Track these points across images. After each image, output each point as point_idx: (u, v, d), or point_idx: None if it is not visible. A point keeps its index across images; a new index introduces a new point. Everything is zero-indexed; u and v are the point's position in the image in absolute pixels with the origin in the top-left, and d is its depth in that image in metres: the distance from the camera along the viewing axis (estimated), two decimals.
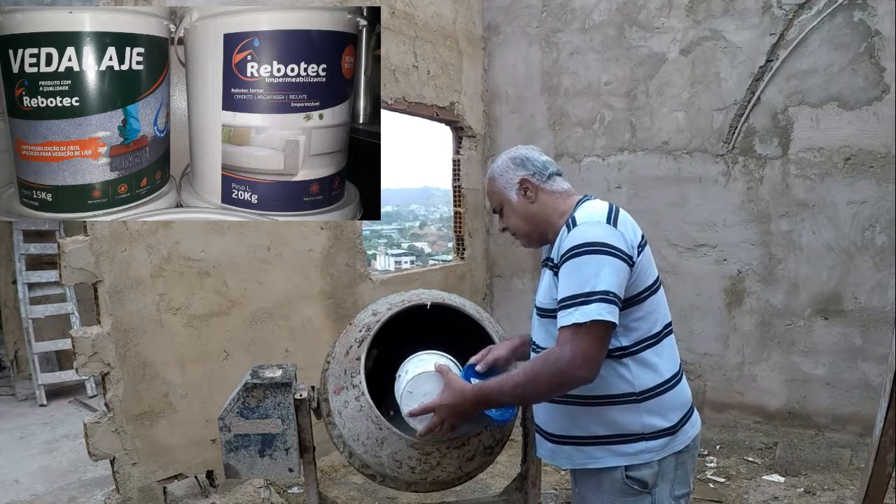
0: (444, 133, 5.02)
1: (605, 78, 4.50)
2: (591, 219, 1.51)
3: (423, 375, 1.62)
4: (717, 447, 3.99)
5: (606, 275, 1.41)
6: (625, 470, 1.53)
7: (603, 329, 1.40)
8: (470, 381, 1.69)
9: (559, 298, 1.45)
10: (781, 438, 3.95)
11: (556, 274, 1.53)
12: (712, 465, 3.79)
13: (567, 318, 1.41)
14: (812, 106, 3.82)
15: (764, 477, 3.60)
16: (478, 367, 1.76)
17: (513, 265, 5.08)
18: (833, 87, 3.75)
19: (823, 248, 3.85)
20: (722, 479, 3.58)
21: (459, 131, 4.92)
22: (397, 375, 1.74)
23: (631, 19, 4.36)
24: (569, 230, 1.52)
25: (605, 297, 1.39)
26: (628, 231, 1.51)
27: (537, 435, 1.72)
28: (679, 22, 4.19)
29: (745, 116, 4.01)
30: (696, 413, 1.66)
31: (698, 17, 4.13)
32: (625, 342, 1.51)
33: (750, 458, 3.84)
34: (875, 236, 3.70)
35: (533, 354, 1.70)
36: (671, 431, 1.55)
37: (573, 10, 4.59)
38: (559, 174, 1.70)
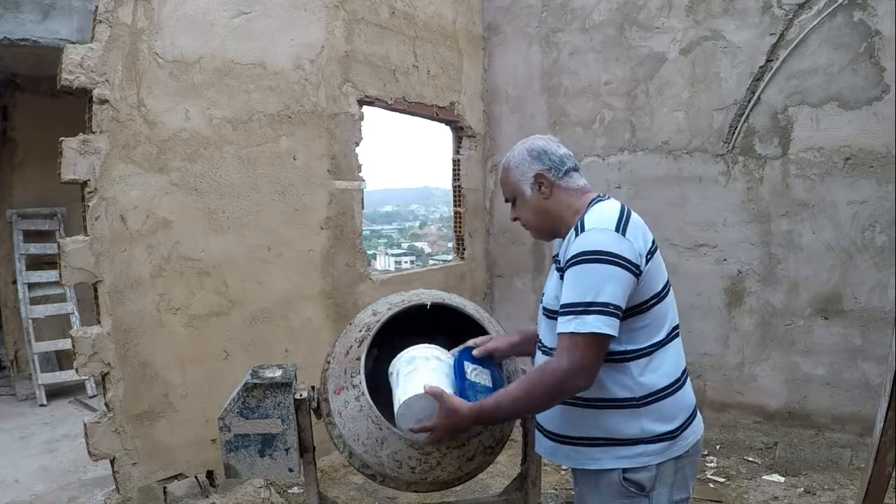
0: (444, 133, 5.03)
1: (605, 78, 4.50)
2: (599, 224, 1.48)
3: (413, 399, 1.55)
4: (717, 447, 3.99)
5: (609, 286, 1.41)
6: (622, 472, 1.52)
7: (600, 340, 1.42)
8: (464, 365, 1.69)
9: (561, 303, 1.47)
10: (781, 438, 3.95)
11: (561, 277, 1.53)
12: (712, 465, 3.78)
13: (566, 325, 1.43)
14: (812, 106, 3.82)
15: (764, 477, 3.60)
16: (474, 352, 1.75)
17: (513, 265, 5.07)
18: (833, 86, 3.75)
19: (823, 248, 3.85)
20: (722, 479, 3.57)
21: (459, 131, 4.92)
22: (389, 373, 1.74)
23: (631, 19, 4.36)
24: (577, 234, 1.50)
25: (604, 309, 1.40)
26: (637, 239, 1.49)
27: (537, 432, 1.72)
28: (679, 22, 4.18)
29: (745, 116, 4.01)
30: (698, 418, 1.64)
31: (698, 17, 4.12)
32: (628, 347, 1.50)
33: (750, 458, 3.83)
34: (875, 236, 3.70)
35: (538, 353, 1.70)
36: (671, 436, 1.54)
37: (573, 10, 4.59)
38: (576, 169, 1.66)
